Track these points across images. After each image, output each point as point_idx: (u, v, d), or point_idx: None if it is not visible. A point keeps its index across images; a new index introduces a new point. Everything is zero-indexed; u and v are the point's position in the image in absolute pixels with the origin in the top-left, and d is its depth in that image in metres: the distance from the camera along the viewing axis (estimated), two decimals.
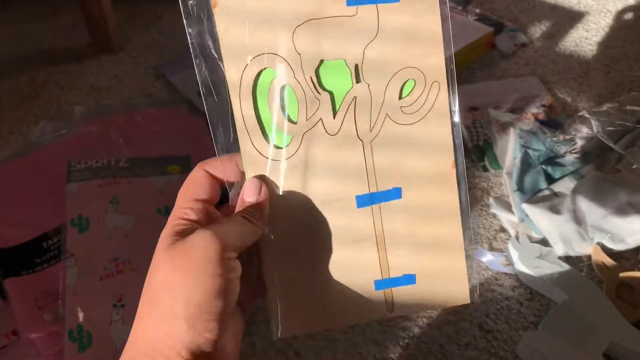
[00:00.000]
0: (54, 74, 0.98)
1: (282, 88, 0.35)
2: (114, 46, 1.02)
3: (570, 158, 0.76)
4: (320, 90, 0.35)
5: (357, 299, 0.38)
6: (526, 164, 0.76)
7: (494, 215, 0.75)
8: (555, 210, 0.70)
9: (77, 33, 1.06)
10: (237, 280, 0.33)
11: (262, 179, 0.36)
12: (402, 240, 0.38)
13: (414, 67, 0.35)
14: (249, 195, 0.36)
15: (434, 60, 0.35)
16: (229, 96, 0.35)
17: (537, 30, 1.10)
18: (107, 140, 0.81)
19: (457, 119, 0.36)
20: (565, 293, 0.64)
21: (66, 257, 0.65)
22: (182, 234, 0.33)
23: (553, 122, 0.86)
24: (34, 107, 0.92)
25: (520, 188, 0.74)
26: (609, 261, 0.67)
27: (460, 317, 0.65)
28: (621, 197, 0.71)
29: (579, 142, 0.76)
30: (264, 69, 0.35)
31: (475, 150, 0.83)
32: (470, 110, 0.89)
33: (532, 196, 0.73)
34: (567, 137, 0.76)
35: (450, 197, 0.38)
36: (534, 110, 0.89)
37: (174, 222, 0.35)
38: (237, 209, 0.36)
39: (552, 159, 0.76)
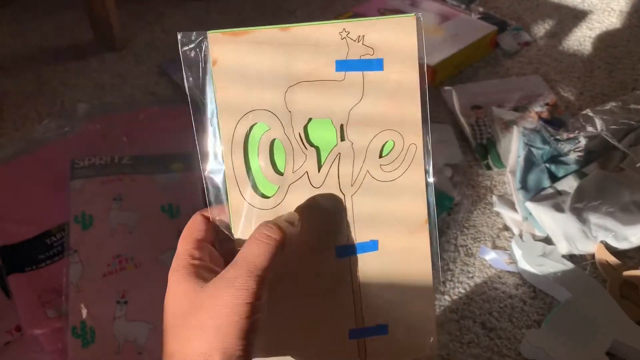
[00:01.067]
0: (58, 71, 0.99)
1: (272, 142, 0.37)
2: (117, 44, 1.02)
3: (574, 156, 0.76)
4: (307, 145, 0.37)
5: (331, 348, 0.40)
6: (530, 163, 0.76)
7: (497, 214, 0.75)
8: (558, 208, 0.70)
9: (81, 31, 1.06)
10: (264, 308, 0.34)
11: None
12: (377, 290, 0.40)
13: (393, 129, 0.38)
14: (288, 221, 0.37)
15: (412, 125, 0.38)
16: (222, 146, 0.37)
17: (541, 29, 1.09)
18: (110, 138, 0.81)
19: (431, 179, 0.39)
20: (569, 291, 0.64)
21: (69, 253, 0.65)
22: (198, 274, 0.35)
23: (556, 120, 0.86)
24: (38, 104, 0.92)
25: (524, 186, 0.74)
26: (612, 260, 0.67)
27: (463, 315, 0.65)
28: (625, 196, 0.70)
29: (583, 141, 0.76)
30: (256, 123, 0.37)
31: (478, 149, 0.83)
32: (473, 108, 0.89)
33: (536, 194, 0.72)
34: (571, 135, 0.76)
35: (422, 250, 0.39)
36: (538, 108, 0.89)
37: (184, 261, 0.36)
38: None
39: (555, 158, 0.76)
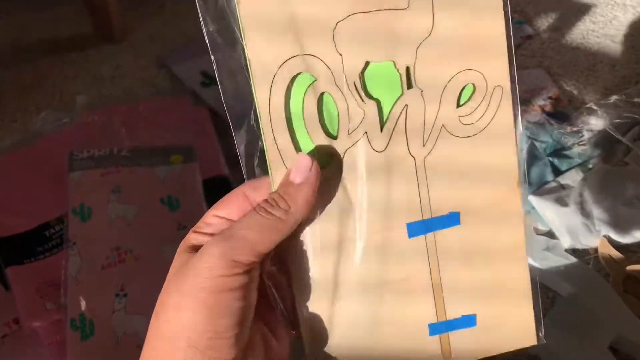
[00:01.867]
0: (56, 63, 0.98)
1: (321, 96, 0.30)
2: (116, 36, 1.01)
3: (577, 150, 0.75)
4: (365, 98, 0.30)
5: (410, 346, 0.33)
6: (533, 156, 0.75)
7: None
8: (561, 202, 0.70)
9: (80, 22, 1.05)
10: (250, 295, 0.30)
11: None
12: (460, 274, 0.32)
13: (473, 69, 0.30)
14: (297, 171, 0.29)
15: (496, 61, 0.30)
16: (258, 109, 0.30)
17: (544, 22, 1.08)
18: (109, 130, 0.80)
19: (520, 131, 0.31)
20: (572, 286, 0.63)
21: (68, 246, 0.65)
22: (193, 249, 0.31)
23: (560, 114, 0.85)
24: (36, 96, 0.91)
25: (527, 180, 0.73)
26: (615, 254, 0.67)
27: None
28: (628, 190, 0.70)
29: (587, 134, 0.76)
30: (299, 73, 0.29)
31: None
32: None
33: (539, 188, 0.72)
34: (575, 129, 0.76)
35: (514, 219, 0.32)
36: (541, 102, 0.88)
37: (187, 236, 0.33)
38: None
39: (559, 151, 0.76)
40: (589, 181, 0.71)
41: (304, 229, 0.31)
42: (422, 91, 0.30)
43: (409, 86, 0.30)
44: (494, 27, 0.30)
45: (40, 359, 0.58)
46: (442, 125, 0.31)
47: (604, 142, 0.76)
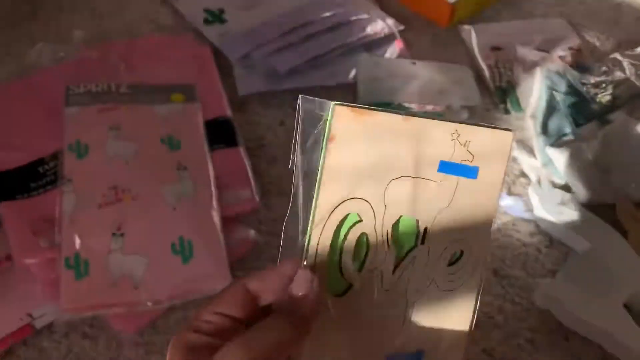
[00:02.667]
0: None
1: (361, 236, 0.35)
2: None
3: (599, 102, 0.71)
4: (390, 244, 0.36)
5: None
6: (552, 107, 0.71)
7: (514, 159, 0.71)
8: (580, 155, 0.66)
9: None
10: None
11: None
12: None
13: (466, 240, 0.37)
14: (299, 285, 0.32)
15: (482, 237, 0.37)
16: (311, 224, 0.35)
17: None
18: (107, 65, 0.76)
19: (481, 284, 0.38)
20: (588, 241, 0.61)
21: (63, 182, 0.62)
22: (193, 351, 0.30)
23: (580, 66, 0.81)
24: (32, 28, 0.87)
25: (545, 131, 0.70)
26: (635, 211, 0.64)
27: None
28: None
29: (610, 86, 0.72)
30: (351, 212, 0.35)
31: (497, 92, 0.79)
32: (493, 49, 0.84)
33: (557, 140, 0.69)
34: (597, 79, 0.72)
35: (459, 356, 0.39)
36: (561, 53, 0.84)
37: (184, 335, 0.31)
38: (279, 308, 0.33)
39: (579, 103, 0.72)
40: (610, 134, 0.68)
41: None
42: (429, 248, 0.36)
43: (422, 242, 0.36)
44: (488, 214, 0.37)
45: (33, 296, 0.56)
46: (433, 278, 0.37)
47: (627, 94, 0.72)
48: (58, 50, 0.78)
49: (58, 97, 0.69)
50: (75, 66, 0.76)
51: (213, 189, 0.64)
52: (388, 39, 0.84)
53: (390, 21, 0.85)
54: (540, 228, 0.65)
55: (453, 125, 0.35)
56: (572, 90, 0.72)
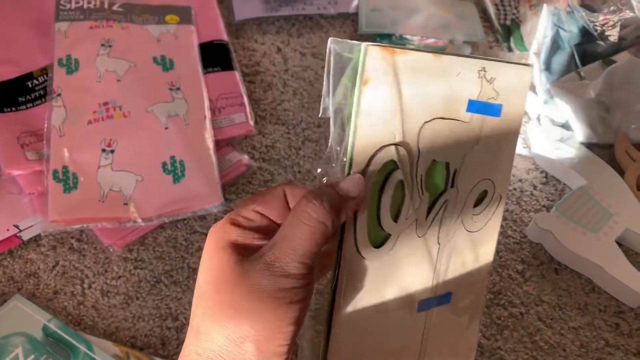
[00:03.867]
0: None
1: (398, 183, 0.33)
2: None
3: (605, 42, 0.70)
4: (424, 190, 0.34)
5: None
6: (556, 44, 0.70)
7: None
8: (582, 94, 0.65)
9: None
10: (307, 299, 0.31)
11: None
12: (440, 342, 0.38)
13: (489, 178, 0.36)
14: (350, 186, 0.31)
15: (504, 174, 0.37)
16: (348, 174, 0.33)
17: None
18: None
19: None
20: (584, 178, 0.60)
21: (52, 97, 0.60)
22: (237, 247, 0.31)
23: (587, 6, 0.79)
24: None
25: (548, 68, 0.68)
26: (633, 151, 0.63)
27: None
28: None
29: (617, 25, 0.70)
30: (389, 160, 0.33)
31: (501, 30, 0.77)
32: None
33: (560, 78, 0.67)
34: (606, 17, 0.70)
35: (479, 306, 0.39)
36: None
37: (224, 227, 0.32)
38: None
39: (585, 42, 0.70)
40: (614, 74, 0.66)
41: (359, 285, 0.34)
42: (458, 191, 0.35)
43: (452, 185, 0.35)
44: (509, 151, 0.36)
45: (20, 208, 0.55)
46: (462, 220, 0.36)
47: (635, 34, 0.71)
48: None
49: (48, 12, 0.67)
50: None
51: (206, 111, 0.63)
52: None
53: None
54: (537, 165, 0.64)
55: (480, 62, 0.34)
56: (578, 28, 0.71)
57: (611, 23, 0.68)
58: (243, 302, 0.29)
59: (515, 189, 0.62)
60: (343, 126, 0.33)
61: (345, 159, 0.33)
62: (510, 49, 0.75)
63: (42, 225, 0.54)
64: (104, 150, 0.58)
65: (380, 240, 0.34)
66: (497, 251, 0.57)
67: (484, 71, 0.34)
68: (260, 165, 0.62)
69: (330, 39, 0.32)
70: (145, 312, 0.52)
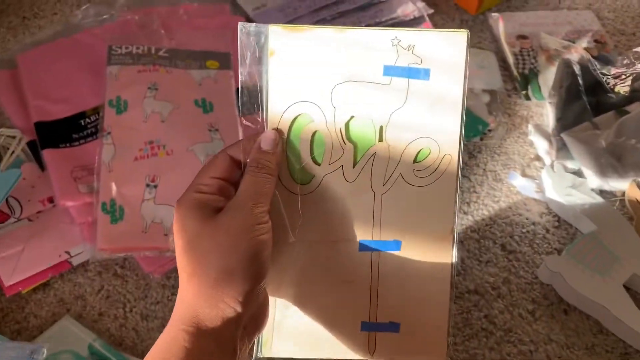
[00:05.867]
0: None
1: (314, 133, 0.39)
2: None
3: (618, 94, 0.74)
4: (346, 141, 0.39)
5: (343, 336, 0.41)
6: (571, 95, 0.74)
7: (530, 144, 0.74)
8: (595, 143, 0.69)
9: None
10: (269, 233, 0.37)
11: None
12: (394, 290, 0.41)
13: (431, 138, 0.39)
14: (266, 143, 0.38)
15: (451, 136, 0.39)
16: (266, 127, 0.39)
17: None
18: (148, 29, 0.80)
19: (458, 184, 0.40)
20: (594, 224, 0.63)
21: (103, 135, 0.66)
22: (206, 207, 0.37)
23: (603, 58, 0.83)
24: None
25: (563, 118, 0.72)
26: None
27: (484, 236, 0.65)
28: None
29: (629, 78, 0.74)
30: (301, 114, 0.39)
31: (519, 79, 0.81)
32: (518, 38, 0.86)
33: (573, 127, 0.71)
34: (618, 71, 0.74)
35: (443, 260, 0.41)
36: (585, 44, 0.85)
37: (190, 196, 0.37)
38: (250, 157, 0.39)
39: (599, 93, 0.74)
40: (626, 124, 0.70)
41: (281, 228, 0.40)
42: (389, 145, 0.39)
43: (380, 140, 0.39)
44: (452, 114, 0.39)
45: (71, 236, 0.61)
46: (400, 173, 0.40)
47: None
48: (102, 12, 0.83)
49: (101, 57, 0.74)
50: (118, 28, 0.80)
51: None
52: (417, 21, 0.87)
53: (420, 4, 0.88)
54: (550, 209, 0.68)
55: (391, 33, 0.38)
56: (592, 80, 0.75)
57: (623, 77, 0.72)
58: (225, 240, 0.35)
59: (528, 231, 0.66)
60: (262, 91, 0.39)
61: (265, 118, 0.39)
62: (527, 97, 0.79)
63: (91, 253, 0.60)
64: (147, 185, 0.63)
65: (307, 179, 0.39)
66: (509, 291, 0.61)
67: (398, 40, 0.38)
68: None
69: (239, 23, 0.38)
70: None
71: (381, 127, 0.39)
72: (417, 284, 0.41)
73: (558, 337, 0.58)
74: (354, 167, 0.39)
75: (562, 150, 0.71)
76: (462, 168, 0.69)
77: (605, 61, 0.81)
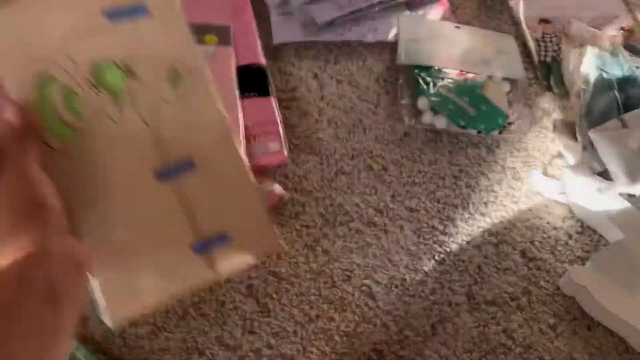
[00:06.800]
0: None
1: (63, 87, 0.39)
2: None
3: None
4: (99, 89, 0.39)
5: (179, 268, 0.41)
6: (599, 88, 0.68)
7: (553, 139, 0.69)
8: (624, 142, 0.64)
9: None
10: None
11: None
12: (207, 204, 0.41)
13: (176, 61, 0.41)
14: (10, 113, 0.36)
15: (185, 51, 0.41)
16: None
17: None
18: None
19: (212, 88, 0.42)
20: (622, 232, 0.59)
21: None
22: None
23: (631, 47, 0.77)
24: None
25: (589, 113, 0.67)
26: None
27: (503, 240, 0.60)
28: None
29: None
30: (45, 75, 0.38)
31: (540, 68, 0.75)
32: (540, 22, 0.80)
33: (601, 124, 0.66)
34: None
35: (236, 161, 0.42)
36: (611, 32, 0.80)
37: None
38: None
39: (629, 87, 0.69)
40: None
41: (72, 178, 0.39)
42: (140, 78, 0.40)
43: (130, 77, 0.40)
44: (178, 34, 0.41)
45: None
46: (162, 99, 0.41)
47: None
48: None
49: None
50: None
51: (241, 137, 0.62)
52: None
53: None
54: (573, 213, 0.63)
55: None
56: (623, 72, 0.69)
57: None
58: None
59: (549, 237, 0.61)
60: None
61: None
62: (549, 88, 0.74)
63: None
64: None
65: (71, 135, 0.39)
66: (529, 302, 0.56)
67: None
68: (292, 196, 0.62)
69: None
70: (172, 345, 0.52)
71: (126, 66, 0.40)
72: (226, 192, 0.42)
73: (581, 355, 0.54)
74: (117, 108, 0.40)
75: (587, 149, 0.65)
76: (480, 164, 0.64)
77: (634, 51, 0.76)
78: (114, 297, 0.39)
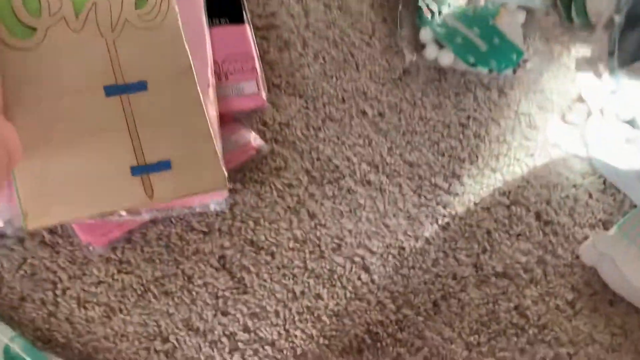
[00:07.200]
0: None
1: None
2: None
3: None
4: None
5: (114, 186, 0.41)
6: (632, 20, 0.59)
7: (573, 80, 0.60)
8: None
9: None
10: None
11: None
12: (154, 128, 0.42)
13: None
14: None
15: None
16: None
17: None
18: None
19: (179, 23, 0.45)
20: None
21: None
22: None
23: None
24: None
25: (619, 50, 0.58)
26: None
27: (516, 200, 0.53)
28: None
29: None
30: None
31: None
32: None
33: (634, 62, 0.57)
34: None
35: (192, 93, 0.44)
36: None
37: None
38: None
39: None
40: None
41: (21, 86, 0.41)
42: None
43: None
44: None
45: None
46: (126, 19, 0.43)
47: None
48: None
49: None
50: None
51: (210, 75, 0.52)
52: None
53: None
54: (595, 168, 0.55)
55: None
56: None
57: None
58: None
59: (567, 196, 0.53)
60: None
61: None
62: (570, 19, 0.64)
63: (6, 215, 0.45)
64: None
65: (27, 33, 0.41)
66: (545, 274, 0.50)
67: None
68: (272, 148, 0.52)
69: None
70: (129, 330, 0.44)
71: None
72: (175, 120, 0.43)
73: (602, 336, 0.47)
74: (77, 18, 0.42)
75: (616, 92, 0.57)
76: (490, 109, 0.56)
77: None
78: (31, 195, 0.39)
